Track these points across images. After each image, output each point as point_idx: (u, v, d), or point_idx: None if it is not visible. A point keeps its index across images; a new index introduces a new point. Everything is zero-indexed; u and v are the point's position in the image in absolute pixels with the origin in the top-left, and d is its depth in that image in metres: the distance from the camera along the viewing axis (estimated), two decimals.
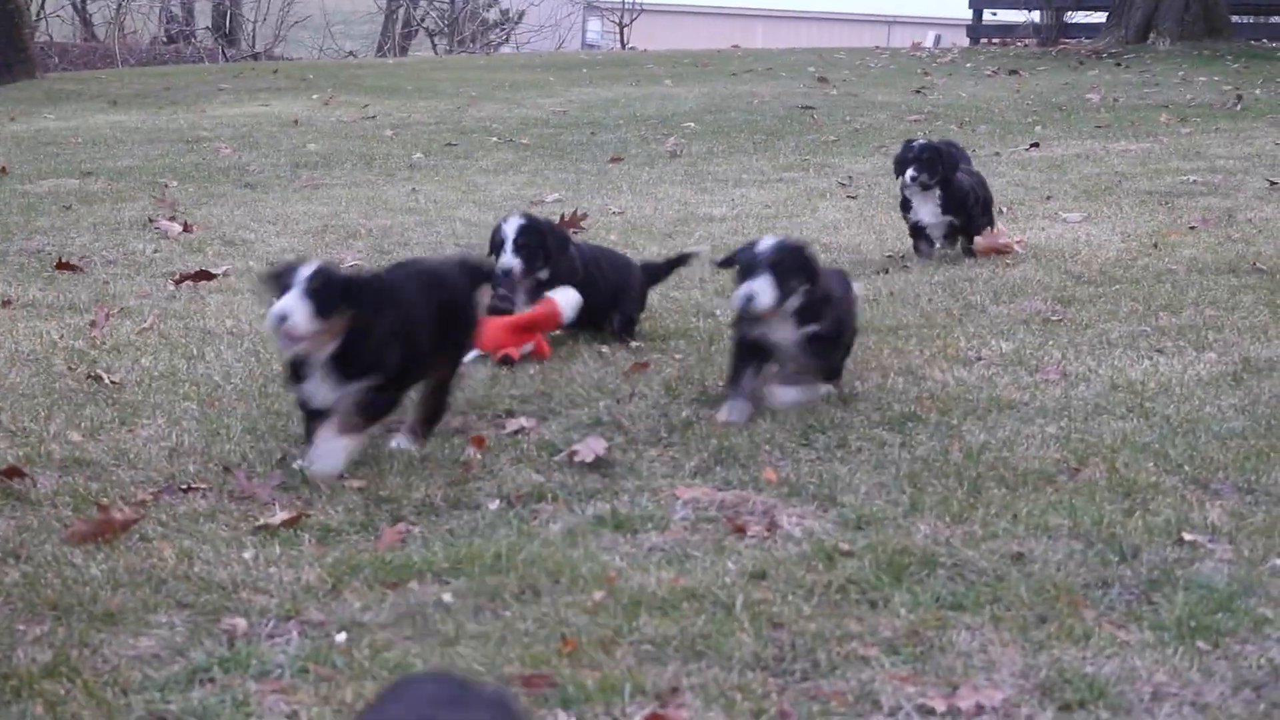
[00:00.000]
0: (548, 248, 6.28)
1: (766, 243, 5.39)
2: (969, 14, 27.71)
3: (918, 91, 17.60)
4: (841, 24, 37.14)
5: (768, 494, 4.64)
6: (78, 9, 33.84)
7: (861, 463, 4.92)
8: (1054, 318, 6.82)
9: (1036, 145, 12.81)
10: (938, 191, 8.14)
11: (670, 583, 3.95)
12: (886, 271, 7.91)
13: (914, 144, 8.26)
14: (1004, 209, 9.72)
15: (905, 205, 8.34)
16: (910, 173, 8.12)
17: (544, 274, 6.32)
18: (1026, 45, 25.03)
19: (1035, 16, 25.92)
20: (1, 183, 11.31)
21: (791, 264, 5.31)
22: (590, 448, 4.97)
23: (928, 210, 8.21)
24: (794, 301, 5.29)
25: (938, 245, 8.33)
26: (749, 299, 5.23)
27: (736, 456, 4.97)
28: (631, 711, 3.31)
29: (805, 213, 9.84)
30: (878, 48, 26.40)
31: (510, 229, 6.26)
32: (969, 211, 8.26)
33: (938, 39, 31.46)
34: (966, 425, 5.27)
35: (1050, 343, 6.38)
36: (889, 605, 3.84)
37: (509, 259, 6.21)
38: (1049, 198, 10.17)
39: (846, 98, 17.13)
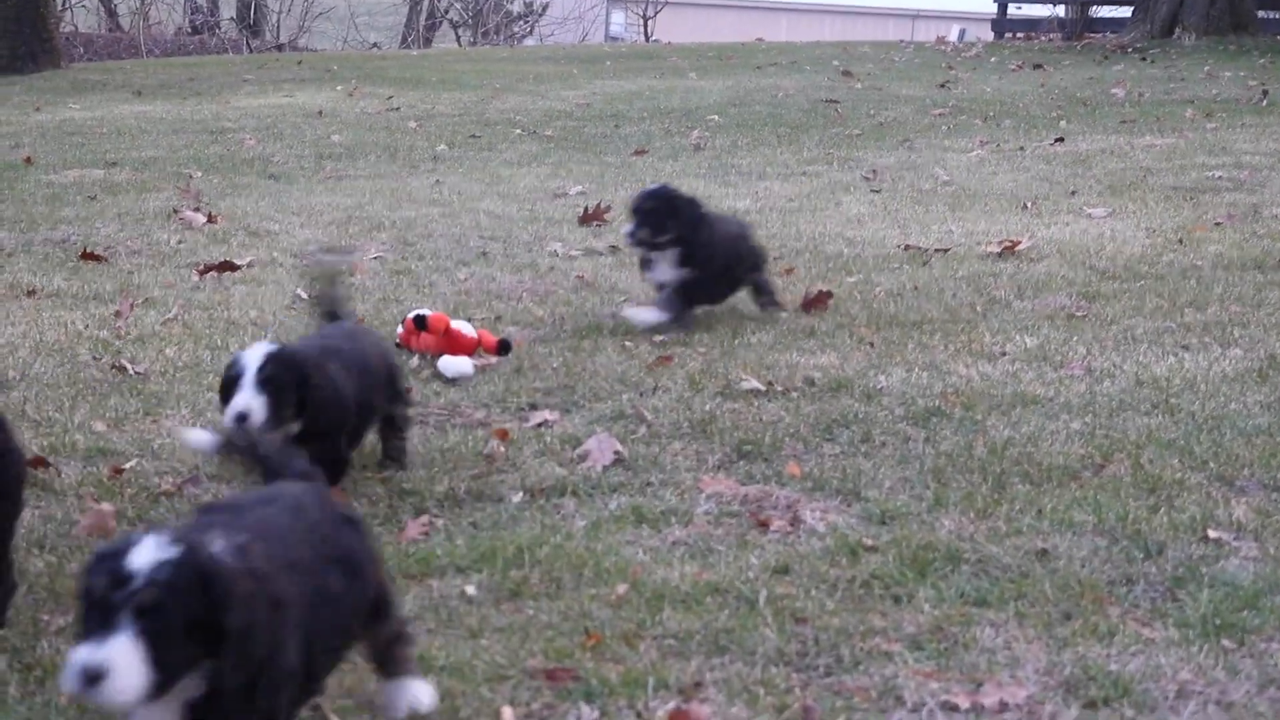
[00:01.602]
0: (301, 387, 4.36)
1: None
2: (994, 8, 27.69)
3: (942, 85, 17.54)
4: (866, 17, 37.10)
5: (791, 488, 4.64)
6: None
7: (885, 457, 4.91)
8: (1079, 313, 6.79)
9: (1061, 140, 12.76)
10: (676, 250, 6.41)
11: (693, 577, 3.95)
12: (911, 264, 7.88)
13: (644, 190, 6.52)
14: (1028, 204, 9.69)
15: (645, 264, 6.60)
16: (627, 228, 6.42)
17: (295, 427, 4.39)
18: (1051, 39, 24.98)
19: (1060, 11, 25.89)
20: (27, 173, 11.36)
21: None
22: (603, 449, 4.94)
23: (665, 270, 6.50)
24: None
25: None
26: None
27: (760, 450, 4.97)
28: (654, 706, 3.31)
29: (829, 206, 9.81)
30: (902, 41, 26.30)
31: (250, 360, 4.32)
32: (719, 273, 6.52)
33: (962, 33, 31.38)
34: (991, 420, 5.26)
35: (1075, 338, 6.36)
36: (913, 601, 3.83)
37: (248, 398, 4.28)
38: (1074, 193, 10.13)
39: (871, 91, 17.09)
